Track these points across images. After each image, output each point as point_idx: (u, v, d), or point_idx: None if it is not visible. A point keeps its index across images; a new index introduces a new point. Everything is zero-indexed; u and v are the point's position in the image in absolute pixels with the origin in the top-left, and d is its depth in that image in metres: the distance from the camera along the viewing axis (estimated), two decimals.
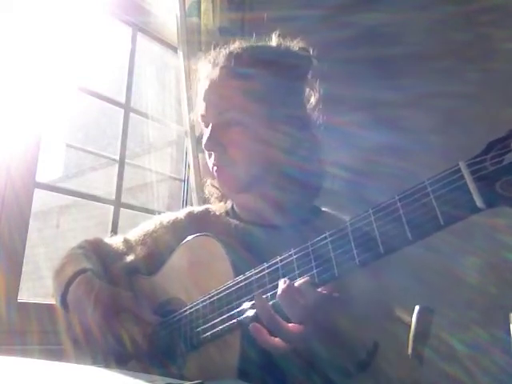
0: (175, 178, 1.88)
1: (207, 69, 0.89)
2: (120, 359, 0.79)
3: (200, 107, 0.89)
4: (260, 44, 0.92)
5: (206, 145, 0.85)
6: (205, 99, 0.87)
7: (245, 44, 0.90)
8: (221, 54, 0.88)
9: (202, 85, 0.89)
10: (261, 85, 0.84)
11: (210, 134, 0.85)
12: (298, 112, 0.89)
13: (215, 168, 0.87)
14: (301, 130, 0.87)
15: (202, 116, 0.88)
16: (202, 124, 0.89)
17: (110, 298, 0.79)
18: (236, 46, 0.89)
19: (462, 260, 1.70)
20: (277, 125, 0.85)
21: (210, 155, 0.88)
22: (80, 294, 0.81)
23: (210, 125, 0.86)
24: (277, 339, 0.59)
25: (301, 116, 0.89)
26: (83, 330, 0.79)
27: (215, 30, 1.64)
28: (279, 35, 0.91)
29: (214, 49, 0.90)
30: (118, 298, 0.79)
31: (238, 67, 0.85)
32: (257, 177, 0.86)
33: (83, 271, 0.84)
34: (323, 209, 0.94)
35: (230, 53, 0.87)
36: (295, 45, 0.91)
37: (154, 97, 2.33)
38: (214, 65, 0.87)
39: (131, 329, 0.77)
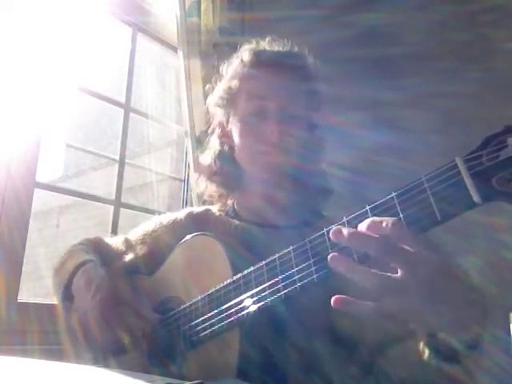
0: (175, 178, 1.87)
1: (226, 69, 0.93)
2: (117, 351, 0.79)
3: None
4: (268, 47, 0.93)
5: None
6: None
7: (250, 45, 0.92)
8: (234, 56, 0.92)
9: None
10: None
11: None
12: (303, 113, 0.89)
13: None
14: (305, 131, 0.88)
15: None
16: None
17: (110, 288, 0.79)
18: (244, 47, 0.92)
19: (461, 260, 1.69)
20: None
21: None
22: (82, 284, 0.82)
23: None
24: (367, 303, 0.50)
25: (306, 117, 0.89)
26: (82, 323, 0.80)
27: (215, 30, 1.64)
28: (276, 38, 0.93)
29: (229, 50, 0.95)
30: (118, 291, 0.80)
31: (248, 69, 0.87)
32: (256, 175, 0.86)
33: (86, 262, 0.86)
34: (324, 213, 0.94)
35: (241, 54, 0.90)
36: (298, 48, 0.93)
37: (154, 97, 2.33)
38: (228, 65, 0.92)
39: (129, 321, 0.77)
